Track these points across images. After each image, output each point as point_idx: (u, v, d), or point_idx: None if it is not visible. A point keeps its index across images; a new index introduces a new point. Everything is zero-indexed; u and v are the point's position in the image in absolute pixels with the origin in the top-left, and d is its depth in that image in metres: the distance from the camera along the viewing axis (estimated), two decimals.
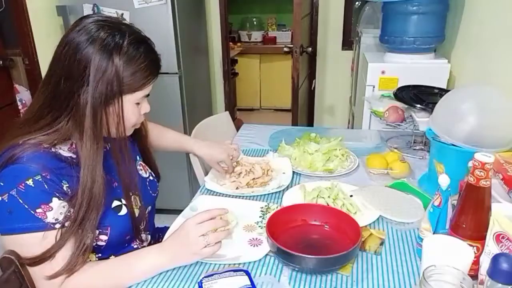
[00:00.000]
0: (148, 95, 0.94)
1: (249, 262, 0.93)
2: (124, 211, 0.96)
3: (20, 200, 0.79)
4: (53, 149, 0.86)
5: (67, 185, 0.85)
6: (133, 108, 0.91)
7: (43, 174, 0.81)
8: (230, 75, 3.45)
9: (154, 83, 0.94)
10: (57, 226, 0.83)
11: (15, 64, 2.56)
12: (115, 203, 0.95)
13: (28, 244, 0.82)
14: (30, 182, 0.80)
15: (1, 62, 2.36)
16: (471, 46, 1.70)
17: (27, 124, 0.87)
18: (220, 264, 0.92)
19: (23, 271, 0.85)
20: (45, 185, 0.81)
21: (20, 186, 0.80)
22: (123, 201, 0.97)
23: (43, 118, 0.86)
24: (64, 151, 0.88)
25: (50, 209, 0.82)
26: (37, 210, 0.80)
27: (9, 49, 2.49)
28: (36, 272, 0.84)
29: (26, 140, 0.84)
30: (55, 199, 0.82)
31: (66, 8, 2.36)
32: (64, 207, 0.84)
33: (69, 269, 0.84)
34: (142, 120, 0.98)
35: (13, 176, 0.81)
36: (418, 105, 1.47)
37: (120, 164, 0.94)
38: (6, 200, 0.80)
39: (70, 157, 0.88)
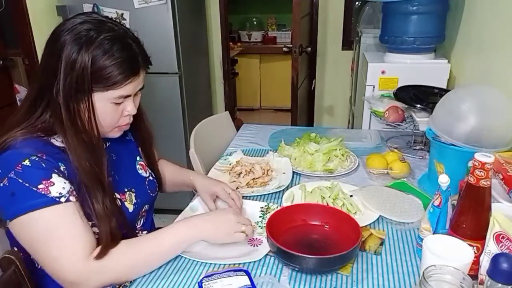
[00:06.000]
0: (129, 96, 0.91)
1: (249, 262, 0.93)
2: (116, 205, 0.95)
3: (19, 180, 0.79)
4: (45, 138, 0.87)
5: (64, 167, 0.85)
6: (108, 107, 0.88)
7: (39, 155, 0.82)
8: (230, 75, 3.45)
9: (143, 84, 0.93)
10: (63, 200, 0.82)
11: (15, 64, 2.56)
12: None
13: (37, 222, 0.80)
14: (27, 162, 0.80)
15: (1, 62, 2.36)
16: (471, 46, 1.70)
17: (16, 120, 0.88)
18: (220, 264, 0.92)
19: (23, 271, 0.85)
20: (43, 163, 0.82)
21: (18, 167, 0.80)
22: (117, 196, 0.97)
23: (29, 113, 0.87)
24: (58, 141, 0.88)
25: (52, 184, 0.81)
26: (39, 186, 0.80)
27: (9, 49, 2.49)
28: (62, 258, 0.81)
29: (15, 132, 0.84)
30: (54, 175, 0.82)
31: (66, 8, 2.36)
32: (65, 183, 0.83)
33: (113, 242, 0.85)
34: (126, 122, 0.95)
35: (9, 160, 0.81)
36: (418, 105, 1.47)
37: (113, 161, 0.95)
38: (7, 184, 0.80)
39: (64, 147, 0.88)
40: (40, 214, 0.80)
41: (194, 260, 0.94)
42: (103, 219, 0.86)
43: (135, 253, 0.87)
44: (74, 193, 0.85)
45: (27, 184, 0.80)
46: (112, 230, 0.87)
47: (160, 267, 0.92)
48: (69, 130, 0.85)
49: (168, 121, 2.54)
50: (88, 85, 0.83)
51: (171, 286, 0.87)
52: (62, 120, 0.85)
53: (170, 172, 1.25)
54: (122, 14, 2.34)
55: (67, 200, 0.83)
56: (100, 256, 0.82)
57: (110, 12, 2.33)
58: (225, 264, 0.92)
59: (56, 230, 0.81)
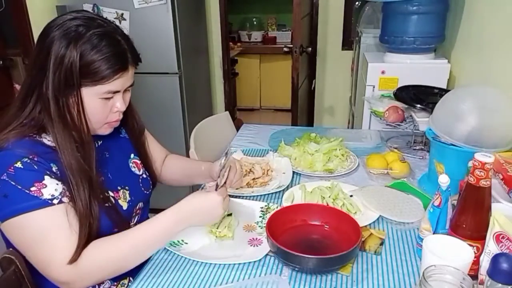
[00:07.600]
0: (118, 92, 0.90)
1: (249, 262, 0.93)
2: (110, 203, 0.95)
3: (12, 182, 0.79)
4: (37, 137, 0.87)
5: (56, 167, 0.85)
6: (97, 102, 0.88)
7: (30, 157, 0.82)
8: (230, 75, 3.45)
9: (132, 81, 0.93)
10: (55, 201, 0.82)
11: (15, 64, 2.55)
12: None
13: (29, 224, 0.80)
14: (19, 164, 0.80)
15: (1, 62, 2.36)
16: (471, 46, 1.70)
17: (7, 119, 0.88)
18: (220, 264, 0.92)
19: (23, 271, 0.85)
20: (35, 166, 0.82)
21: (10, 169, 0.80)
22: (111, 193, 0.97)
23: (19, 110, 0.87)
24: (50, 140, 0.88)
25: (44, 186, 0.81)
26: (31, 189, 0.80)
27: (9, 49, 2.49)
28: (53, 261, 0.81)
29: (6, 132, 0.85)
30: (47, 177, 0.82)
31: (66, 8, 2.36)
32: (57, 184, 0.83)
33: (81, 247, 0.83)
34: (116, 118, 0.95)
35: (1, 162, 0.81)
36: (418, 105, 1.47)
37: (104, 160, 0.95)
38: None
39: (55, 146, 0.87)
40: (32, 216, 0.80)
41: (194, 260, 0.94)
42: (84, 220, 0.85)
43: (119, 249, 0.86)
44: (68, 193, 0.85)
45: (19, 186, 0.80)
46: (91, 232, 0.86)
47: (160, 267, 0.92)
48: (57, 125, 0.85)
49: (168, 121, 2.54)
50: (77, 79, 0.84)
51: (171, 286, 0.87)
52: (51, 116, 0.85)
53: (182, 165, 1.25)
54: (122, 14, 2.33)
55: (60, 202, 0.83)
56: (73, 260, 0.81)
57: (110, 12, 2.33)
58: (225, 264, 0.92)
59: (47, 233, 0.81)
